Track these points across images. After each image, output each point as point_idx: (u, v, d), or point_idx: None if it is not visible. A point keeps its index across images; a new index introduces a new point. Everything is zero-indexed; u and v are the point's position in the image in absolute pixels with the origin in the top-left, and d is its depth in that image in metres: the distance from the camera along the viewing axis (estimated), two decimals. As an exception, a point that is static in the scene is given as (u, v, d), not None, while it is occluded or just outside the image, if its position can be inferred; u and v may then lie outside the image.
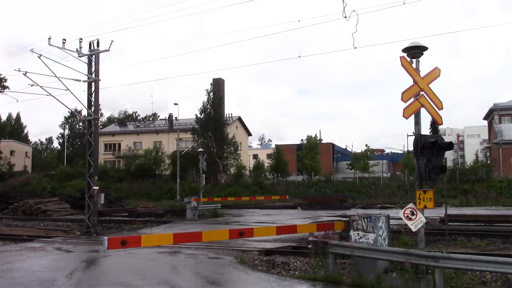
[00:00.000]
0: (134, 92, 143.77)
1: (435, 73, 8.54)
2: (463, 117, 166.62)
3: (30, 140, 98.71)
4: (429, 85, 8.44)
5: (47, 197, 37.03)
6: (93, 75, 20.12)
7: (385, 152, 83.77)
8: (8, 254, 13.06)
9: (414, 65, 8.38)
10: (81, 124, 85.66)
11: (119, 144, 69.33)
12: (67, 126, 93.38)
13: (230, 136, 51.07)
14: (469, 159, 65.02)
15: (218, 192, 42.93)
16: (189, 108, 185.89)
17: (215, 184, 47.49)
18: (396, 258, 8.04)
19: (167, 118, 72.58)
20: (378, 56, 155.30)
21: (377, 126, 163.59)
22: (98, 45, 20.04)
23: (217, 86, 52.80)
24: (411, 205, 8.18)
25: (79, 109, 60.65)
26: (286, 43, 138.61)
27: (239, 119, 70.02)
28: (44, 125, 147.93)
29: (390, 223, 9.32)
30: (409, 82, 8.33)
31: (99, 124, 27.08)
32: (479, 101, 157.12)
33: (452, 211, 24.19)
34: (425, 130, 38.27)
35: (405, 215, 8.08)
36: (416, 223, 8.00)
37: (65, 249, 14.35)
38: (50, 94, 20.62)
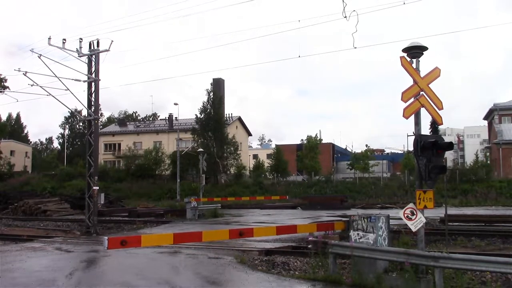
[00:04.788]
0: (134, 92, 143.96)
1: (435, 73, 8.54)
2: (463, 117, 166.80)
3: (30, 140, 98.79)
4: (429, 85, 8.44)
5: (47, 197, 37.01)
6: (93, 75, 20.12)
7: (385, 152, 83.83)
8: (8, 254, 13.05)
9: (414, 65, 8.39)
10: (81, 124, 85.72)
11: (119, 144, 69.32)
12: (67, 126, 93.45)
13: (230, 136, 51.05)
14: (469, 159, 65.00)
15: (218, 192, 42.91)
16: (189, 108, 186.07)
17: (215, 184, 47.47)
18: (396, 258, 8.04)
19: (167, 118, 72.57)
20: (378, 56, 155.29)
21: (377, 126, 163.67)
22: (98, 45, 20.05)
23: (217, 86, 52.77)
24: (411, 205, 8.18)
25: (79, 109, 60.58)
26: (286, 43, 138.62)
27: (239, 119, 70.00)
28: (44, 125, 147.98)
29: (390, 223, 9.33)
30: (409, 82, 8.34)
31: (99, 124, 27.09)
32: (479, 101, 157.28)
33: (452, 211, 24.19)
34: (425, 130, 38.21)
35: (405, 215, 8.08)
36: (416, 223, 8.01)
37: (65, 249, 14.35)
38: (50, 94, 20.64)
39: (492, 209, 27.91)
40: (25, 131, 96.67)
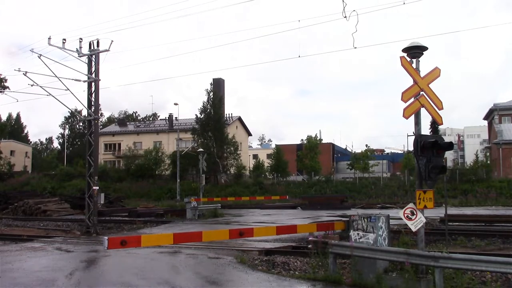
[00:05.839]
0: (133, 92, 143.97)
1: (435, 73, 8.53)
2: (463, 117, 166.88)
3: (30, 140, 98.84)
4: (429, 85, 8.43)
5: (47, 197, 37.03)
6: (93, 75, 20.12)
7: (385, 152, 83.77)
8: (8, 254, 13.05)
9: (414, 65, 8.38)
10: (81, 124, 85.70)
11: (119, 144, 69.33)
12: (67, 126, 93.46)
13: (230, 136, 51.07)
14: (469, 159, 64.98)
15: (218, 192, 42.93)
16: (189, 108, 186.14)
17: (215, 184, 47.48)
18: (396, 258, 8.03)
19: (167, 118, 72.60)
20: (378, 56, 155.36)
21: (377, 126, 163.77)
22: (98, 45, 20.05)
23: (217, 86, 52.79)
24: (411, 205, 8.18)
25: (79, 109, 60.74)
26: (286, 43, 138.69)
27: (239, 119, 70.02)
28: (44, 125, 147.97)
29: (390, 223, 9.32)
30: (409, 82, 8.33)
31: (99, 124, 27.08)
32: (479, 101, 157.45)
33: (452, 211, 24.18)
34: (425, 130, 38.26)
35: (405, 215, 8.08)
36: (416, 223, 8.00)
37: (65, 249, 14.35)
38: (50, 94, 20.65)
39: (492, 209, 27.89)
40: (25, 131, 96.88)
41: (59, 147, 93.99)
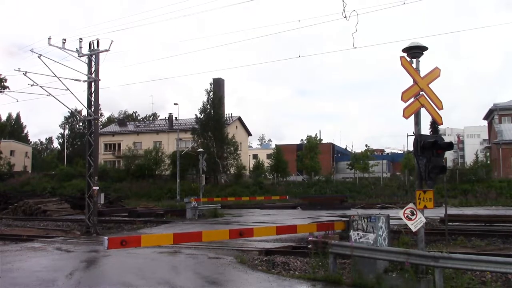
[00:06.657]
0: (133, 92, 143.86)
1: (435, 73, 8.53)
2: (463, 117, 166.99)
3: (30, 140, 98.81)
4: (429, 85, 8.43)
5: (47, 197, 37.04)
6: (93, 75, 20.11)
7: (385, 152, 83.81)
8: (8, 254, 13.05)
9: (414, 65, 8.38)
10: (81, 124, 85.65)
11: (119, 144, 69.30)
12: (67, 126, 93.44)
13: (230, 136, 51.07)
14: (469, 159, 65.00)
15: (218, 192, 42.92)
16: (189, 108, 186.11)
17: (215, 184, 47.47)
18: (396, 258, 8.03)
19: (167, 118, 72.57)
20: (378, 56, 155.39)
21: (377, 126, 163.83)
22: (98, 45, 20.04)
23: (217, 86, 52.79)
24: (411, 205, 8.18)
25: (79, 109, 60.71)
26: (286, 43, 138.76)
27: (239, 119, 70.00)
28: (44, 125, 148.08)
29: (390, 223, 9.32)
30: (409, 82, 8.33)
31: (99, 124, 27.07)
32: (479, 101, 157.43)
33: (452, 211, 24.18)
34: (425, 130, 38.23)
35: (405, 215, 8.08)
36: (416, 223, 8.00)
37: (65, 249, 14.35)
38: (50, 94, 20.64)
39: (492, 209, 27.89)
40: (25, 131, 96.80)
41: (59, 147, 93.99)
